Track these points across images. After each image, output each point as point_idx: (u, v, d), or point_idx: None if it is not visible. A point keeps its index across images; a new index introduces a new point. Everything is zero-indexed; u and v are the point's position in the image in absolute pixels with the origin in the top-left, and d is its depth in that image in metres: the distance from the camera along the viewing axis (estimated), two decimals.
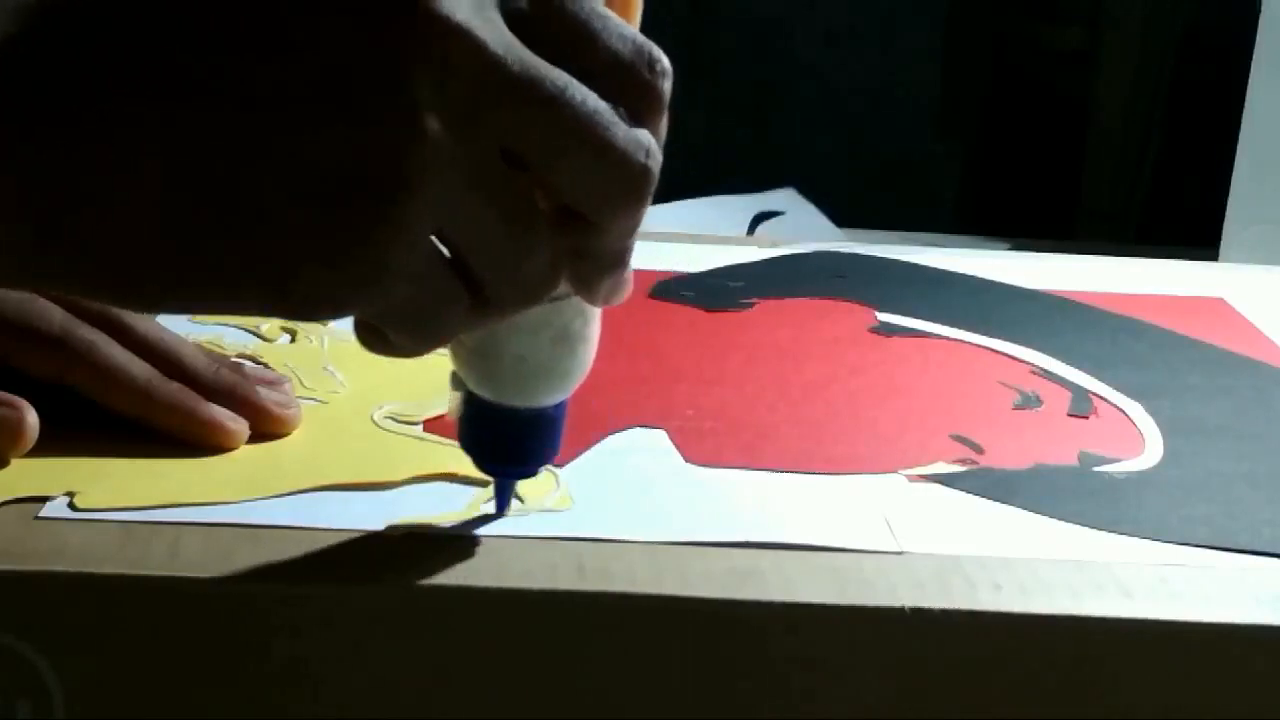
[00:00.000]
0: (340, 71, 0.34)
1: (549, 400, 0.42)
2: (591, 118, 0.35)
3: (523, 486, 0.44)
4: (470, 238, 0.36)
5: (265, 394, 0.48)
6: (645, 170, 0.36)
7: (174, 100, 0.33)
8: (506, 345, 0.40)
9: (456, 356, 0.41)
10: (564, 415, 0.43)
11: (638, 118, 0.36)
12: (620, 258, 0.38)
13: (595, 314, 0.42)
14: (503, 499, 0.43)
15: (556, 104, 0.35)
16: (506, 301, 0.37)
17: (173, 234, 0.34)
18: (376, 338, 0.37)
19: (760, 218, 1.13)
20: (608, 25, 0.36)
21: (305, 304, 0.35)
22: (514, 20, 0.35)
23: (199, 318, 0.57)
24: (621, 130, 0.35)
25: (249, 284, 0.35)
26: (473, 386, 0.41)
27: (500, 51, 0.34)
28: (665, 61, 0.37)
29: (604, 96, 0.35)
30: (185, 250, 0.34)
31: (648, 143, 0.36)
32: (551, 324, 0.40)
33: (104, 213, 0.34)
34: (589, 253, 0.37)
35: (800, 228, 1.09)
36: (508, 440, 0.42)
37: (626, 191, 0.36)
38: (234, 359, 0.52)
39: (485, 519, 0.43)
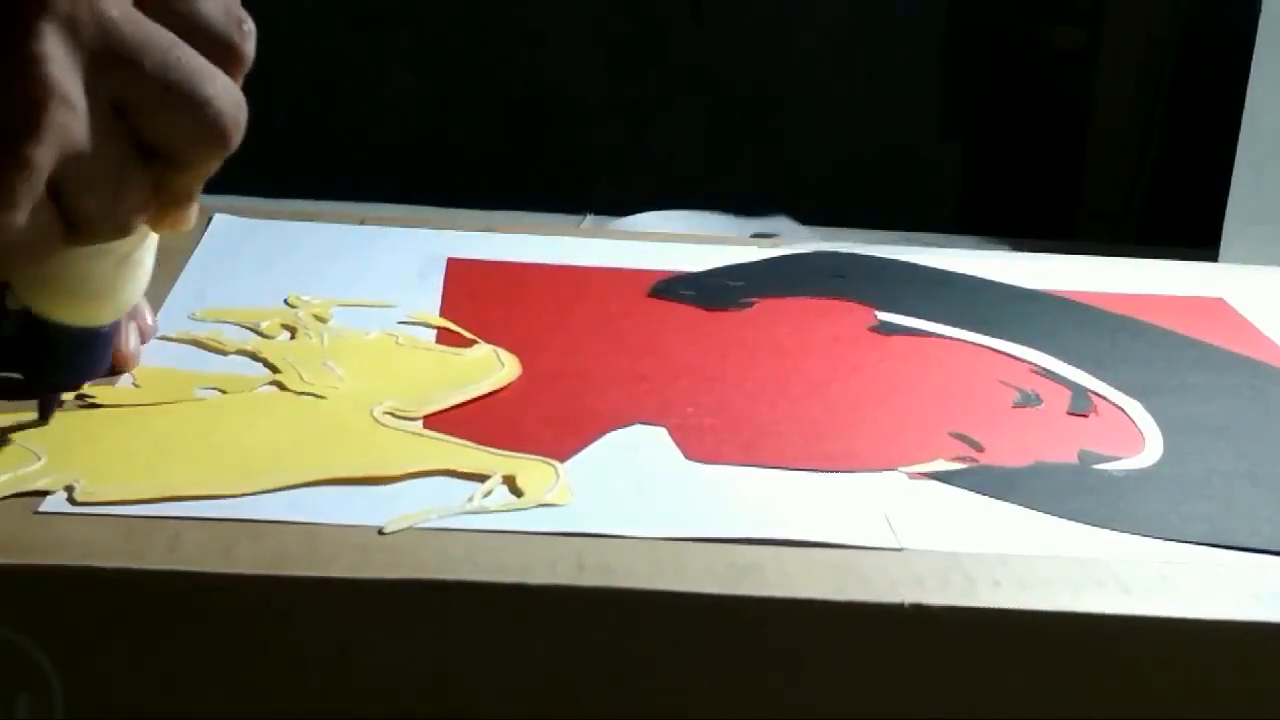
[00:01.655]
0: None
1: (105, 320, 0.46)
2: (191, 76, 0.40)
3: (522, 479, 0.45)
4: (78, 177, 0.39)
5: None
6: (235, 121, 0.41)
7: None
8: (73, 267, 0.43)
9: (20, 277, 0.43)
10: (114, 335, 0.47)
11: (229, 72, 0.41)
12: (194, 194, 0.43)
13: (153, 241, 0.45)
14: (48, 410, 0.46)
15: (163, 64, 0.39)
16: (101, 234, 0.41)
17: None
18: None
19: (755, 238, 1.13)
20: None
21: None
22: None
23: (199, 315, 0.58)
24: (216, 86, 0.40)
25: None
26: (33, 305, 0.44)
27: (117, 15, 0.39)
28: (251, 24, 0.42)
29: (203, 54, 0.40)
30: None
31: (237, 97, 0.41)
32: (115, 250, 0.43)
33: None
34: (169, 189, 0.42)
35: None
36: (63, 356, 0.45)
37: (217, 138, 0.41)
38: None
39: (485, 514, 0.43)
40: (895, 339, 0.61)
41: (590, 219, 1.15)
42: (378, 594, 0.39)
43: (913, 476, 0.48)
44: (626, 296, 0.64)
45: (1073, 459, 0.50)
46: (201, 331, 0.56)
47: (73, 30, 0.38)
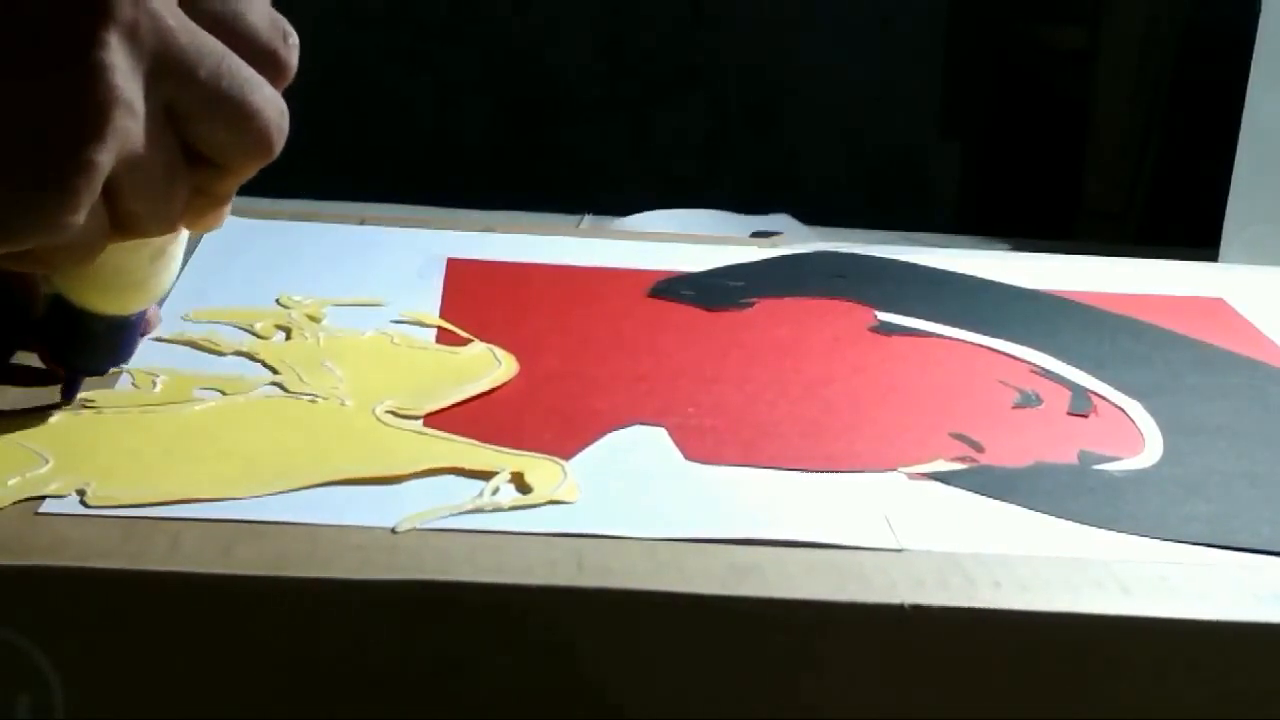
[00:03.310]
0: (43, 32, 0.38)
1: (136, 309, 0.47)
2: (241, 87, 0.41)
3: (530, 477, 0.45)
4: (132, 180, 0.40)
5: None
6: (279, 129, 0.42)
7: None
8: (110, 259, 0.43)
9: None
10: (141, 322, 0.49)
11: (273, 82, 0.42)
12: (230, 196, 0.45)
13: (184, 236, 0.46)
14: (72, 392, 0.48)
15: (215, 73, 0.41)
16: (147, 233, 0.43)
17: None
18: (14, 262, 0.41)
19: (756, 236, 1.13)
20: (253, 5, 0.42)
21: None
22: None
23: (193, 316, 0.58)
24: (263, 96, 0.42)
25: None
26: (68, 293, 0.46)
27: (174, 24, 0.40)
28: (295, 36, 0.43)
29: (249, 63, 0.42)
30: None
31: (281, 105, 0.42)
32: (151, 244, 0.45)
33: None
34: (210, 191, 0.43)
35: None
36: (95, 343, 0.47)
37: (261, 146, 0.42)
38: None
39: (488, 514, 0.43)
40: (895, 339, 0.61)
41: (590, 219, 1.15)
42: (378, 594, 0.39)
43: (913, 477, 0.48)
44: (626, 296, 0.64)
45: (1073, 459, 0.50)
46: (196, 333, 0.56)
47: (134, 38, 0.39)
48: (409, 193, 1.12)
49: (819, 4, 1.62)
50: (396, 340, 0.57)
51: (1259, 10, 0.90)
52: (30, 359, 0.51)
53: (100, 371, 0.49)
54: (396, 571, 0.39)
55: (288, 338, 0.56)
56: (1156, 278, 0.72)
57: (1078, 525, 0.45)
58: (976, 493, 0.47)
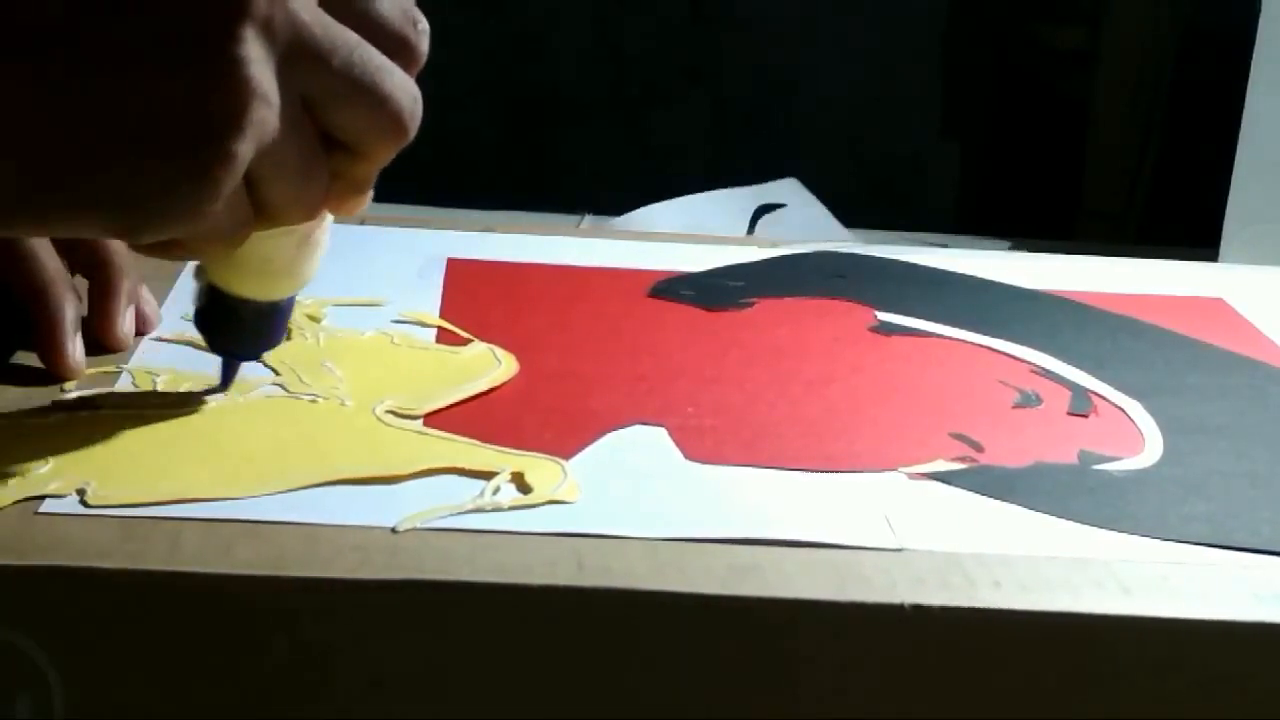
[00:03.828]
0: (184, 28, 0.39)
1: (284, 295, 0.49)
2: (375, 74, 0.42)
3: (530, 477, 0.45)
4: (271, 167, 0.42)
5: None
6: (412, 115, 0.43)
7: (41, 55, 0.38)
8: (257, 247, 0.45)
9: (209, 256, 0.46)
10: (291, 308, 0.50)
11: (405, 68, 0.43)
12: (371, 182, 0.46)
13: (329, 222, 0.48)
14: (229, 377, 0.50)
15: (349, 62, 0.42)
16: (289, 219, 0.44)
17: (30, 170, 0.39)
18: (162, 250, 0.43)
19: (761, 211, 1.12)
20: None
21: (141, 228, 0.41)
22: None
23: (190, 315, 0.57)
24: (395, 81, 0.43)
25: (95, 213, 0.40)
26: (220, 281, 0.48)
27: (308, 18, 0.41)
28: (425, 22, 0.44)
29: (382, 51, 0.43)
30: (42, 186, 0.39)
31: (415, 91, 0.43)
32: (296, 231, 0.46)
33: None
34: (348, 176, 0.45)
35: (801, 221, 1.09)
36: (245, 328, 0.49)
37: (396, 130, 0.43)
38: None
39: (487, 513, 0.43)
40: (895, 339, 0.61)
41: (590, 219, 1.14)
42: (378, 594, 0.39)
43: (913, 477, 0.48)
44: (626, 296, 0.64)
45: (1073, 459, 0.50)
46: (197, 333, 0.56)
47: (269, 32, 0.40)
48: (409, 193, 1.12)
49: (819, 4, 1.62)
50: (396, 340, 0.57)
51: (1259, 10, 0.90)
52: (30, 359, 0.51)
53: (253, 356, 0.51)
54: (396, 571, 0.39)
55: (288, 337, 0.56)
56: (1156, 278, 0.72)
57: (1078, 525, 0.45)
58: (977, 493, 0.47)
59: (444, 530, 0.42)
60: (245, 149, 0.40)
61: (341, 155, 0.44)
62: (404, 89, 0.43)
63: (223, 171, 0.40)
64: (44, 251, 0.52)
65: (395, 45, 0.43)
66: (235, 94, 0.39)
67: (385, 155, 0.44)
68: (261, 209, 0.43)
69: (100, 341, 0.53)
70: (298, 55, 0.41)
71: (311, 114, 0.42)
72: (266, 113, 0.40)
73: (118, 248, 0.54)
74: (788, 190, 1.16)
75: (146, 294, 0.56)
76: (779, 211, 1.10)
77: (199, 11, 0.39)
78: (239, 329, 0.49)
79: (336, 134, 0.43)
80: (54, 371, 0.51)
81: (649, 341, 0.59)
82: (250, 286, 0.48)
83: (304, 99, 0.42)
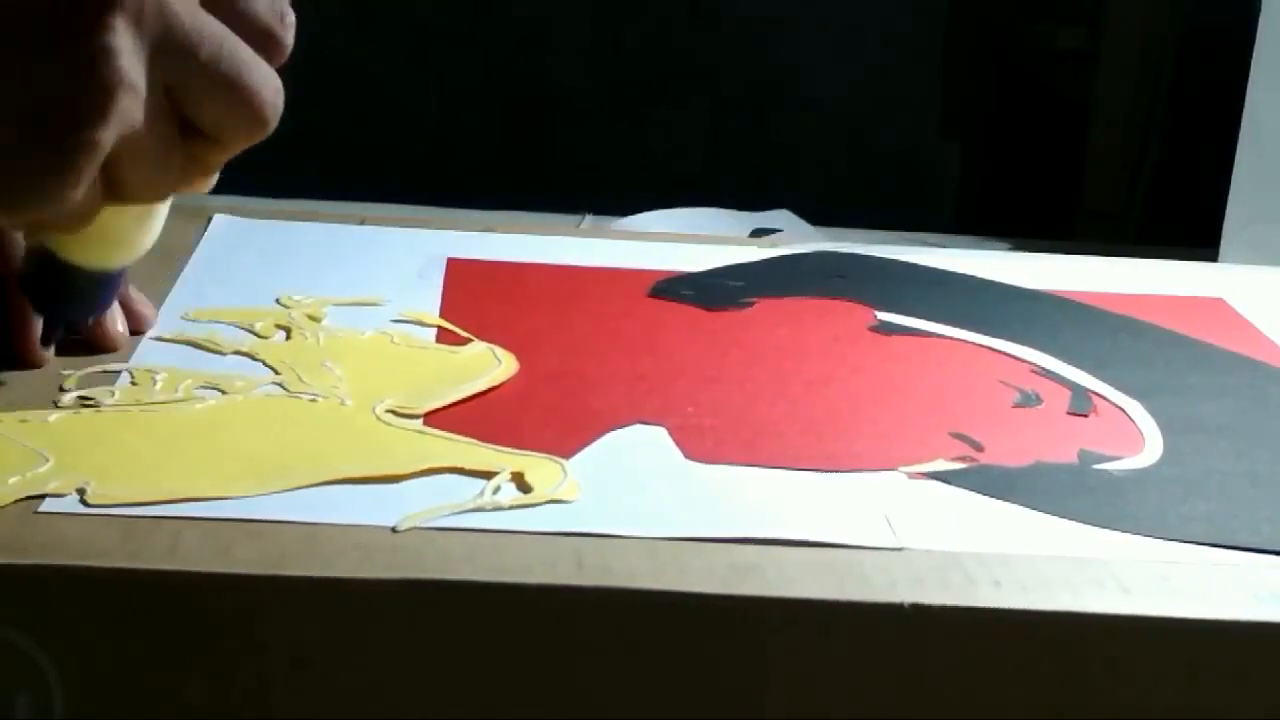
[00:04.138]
0: (56, 14, 0.40)
1: (120, 264, 0.50)
2: (239, 68, 0.43)
3: (530, 476, 0.45)
4: (130, 154, 0.42)
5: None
6: (274, 107, 0.44)
7: None
8: (99, 219, 0.45)
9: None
10: (123, 276, 0.51)
11: (270, 61, 0.44)
12: (221, 165, 0.46)
13: (170, 198, 0.48)
14: (51, 339, 0.51)
15: (215, 55, 0.42)
16: (140, 201, 0.45)
17: None
18: (9, 224, 0.45)
19: (756, 234, 1.13)
20: None
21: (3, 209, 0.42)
22: None
23: (193, 316, 0.58)
24: (259, 75, 0.43)
25: None
26: (57, 248, 0.48)
27: (179, 8, 0.42)
28: (292, 16, 0.45)
29: (248, 43, 0.43)
30: None
31: (277, 84, 0.44)
32: (138, 205, 0.46)
33: None
34: (203, 162, 0.45)
35: (799, 239, 1.09)
36: (78, 294, 0.50)
37: (256, 123, 0.44)
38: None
39: (487, 513, 0.43)
40: (895, 339, 0.61)
41: (590, 219, 1.14)
42: (378, 594, 0.39)
43: (913, 476, 0.48)
44: (626, 296, 0.64)
45: (1073, 459, 0.50)
46: (197, 333, 0.56)
47: (139, 21, 0.41)
48: (409, 193, 1.12)
49: (819, 4, 1.62)
50: (396, 340, 0.57)
51: (1259, 10, 0.90)
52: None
53: (81, 320, 0.52)
54: (396, 571, 0.39)
55: (288, 337, 0.56)
56: (1156, 278, 0.72)
57: (1078, 525, 0.45)
58: (977, 492, 0.47)
59: (444, 530, 0.42)
60: (108, 138, 0.41)
61: (199, 141, 0.44)
62: (267, 83, 0.44)
63: (85, 159, 0.41)
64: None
65: (262, 38, 0.44)
66: (103, 83, 0.40)
67: (242, 145, 0.45)
68: (113, 189, 0.43)
69: (95, 343, 0.53)
70: (166, 46, 0.41)
71: (173, 103, 0.43)
72: (132, 102, 0.41)
73: None
74: (782, 220, 1.16)
75: (138, 294, 0.56)
76: (774, 236, 1.10)
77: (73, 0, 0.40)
78: (72, 295, 0.50)
79: (197, 124, 0.43)
80: (22, 360, 0.51)
81: (649, 341, 0.59)
82: (88, 255, 0.49)
83: (167, 88, 0.42)
